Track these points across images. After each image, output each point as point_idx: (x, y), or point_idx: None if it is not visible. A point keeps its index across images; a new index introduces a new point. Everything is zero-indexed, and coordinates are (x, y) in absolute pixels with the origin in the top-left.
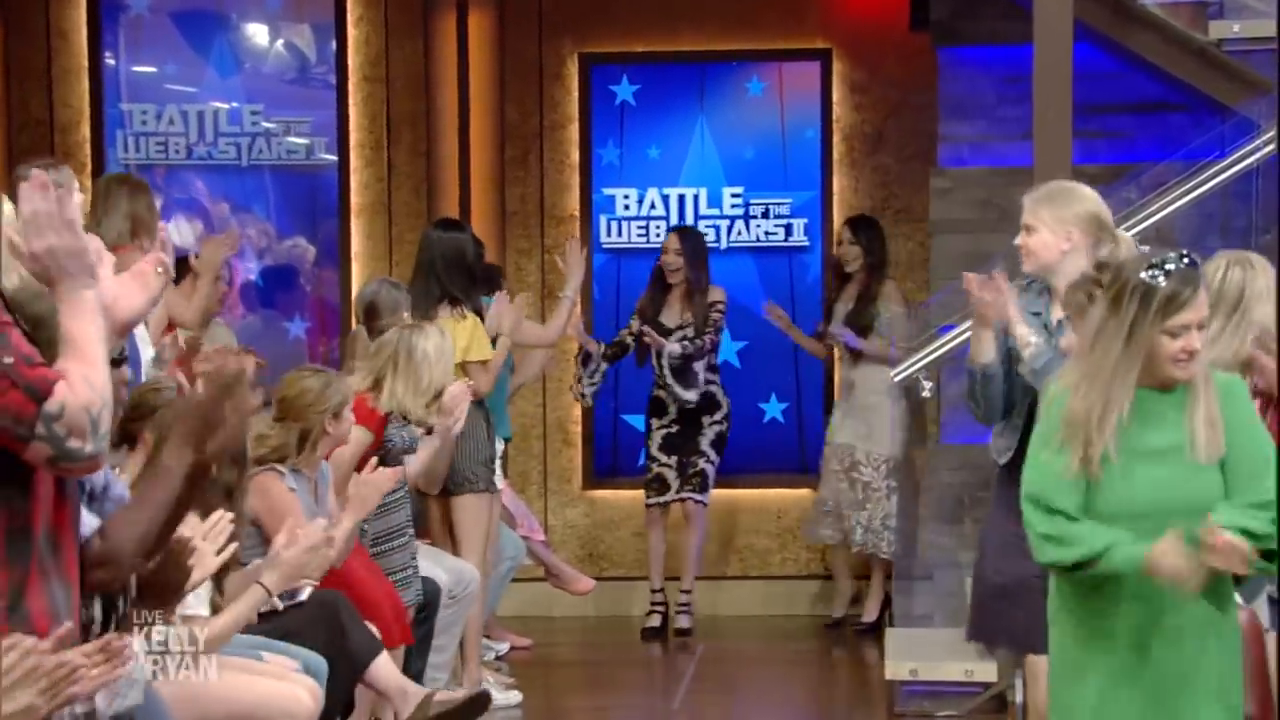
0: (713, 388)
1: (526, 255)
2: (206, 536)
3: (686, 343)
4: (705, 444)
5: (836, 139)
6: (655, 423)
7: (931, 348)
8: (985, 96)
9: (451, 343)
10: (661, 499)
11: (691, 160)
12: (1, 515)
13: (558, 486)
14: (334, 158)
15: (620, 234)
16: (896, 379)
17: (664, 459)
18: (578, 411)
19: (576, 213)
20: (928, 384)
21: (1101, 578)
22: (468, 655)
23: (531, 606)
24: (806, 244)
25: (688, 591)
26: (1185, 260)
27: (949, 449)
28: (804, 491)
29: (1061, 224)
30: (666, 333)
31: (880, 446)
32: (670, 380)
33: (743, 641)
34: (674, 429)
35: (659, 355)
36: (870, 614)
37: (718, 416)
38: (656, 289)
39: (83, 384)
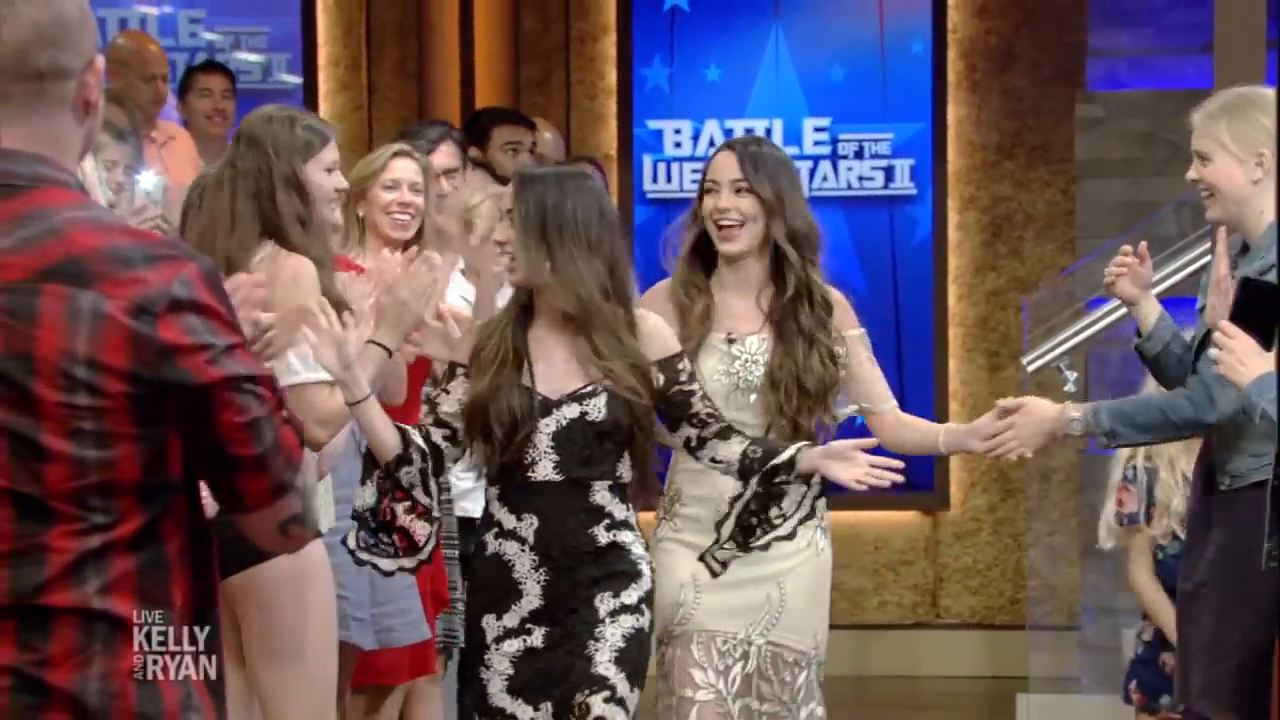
0: (621, 534)
1: None
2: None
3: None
4: (603, 656)
5: (952, 55)
6: (494, 624)
7: (1076, 327)
8: None
9: None
10: None
11: (763, 84)
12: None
13: None
14: (298, 79)
15: (669, 179)
16: (1030, 368)
17: (520, 709)
18: None
19: (614, 152)
20: (1071, 374)
21: None
22: None
23: None
24: (913, 192)
25: None
26: None
27: (1102, 460)
28: (908, 515)
29: (1249, 144)
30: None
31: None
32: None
33: (835, 711)
34: (531, 633)
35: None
36: None
37: (629, 594)
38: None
39: None
